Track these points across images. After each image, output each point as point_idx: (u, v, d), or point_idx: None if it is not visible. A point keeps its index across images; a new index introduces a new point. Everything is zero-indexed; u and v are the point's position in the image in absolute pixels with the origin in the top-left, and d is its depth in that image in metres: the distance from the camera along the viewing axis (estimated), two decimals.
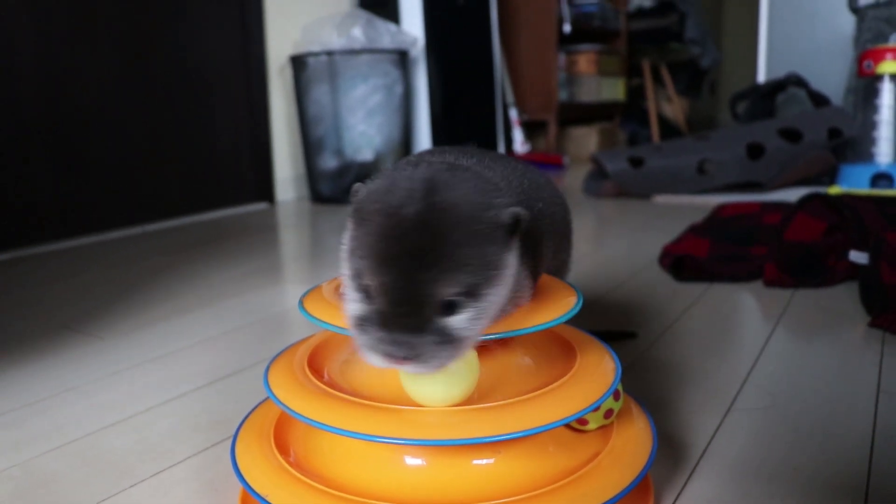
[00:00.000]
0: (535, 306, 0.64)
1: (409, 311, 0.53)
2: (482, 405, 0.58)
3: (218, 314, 1.39)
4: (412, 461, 0.61)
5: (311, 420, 0.58)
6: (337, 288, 0.69)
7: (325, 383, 0.64)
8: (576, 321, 0.75)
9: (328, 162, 2.80)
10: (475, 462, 0.61)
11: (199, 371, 1.10)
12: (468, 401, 0.59)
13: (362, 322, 0.55)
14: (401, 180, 0.57)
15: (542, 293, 0.68)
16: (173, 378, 1.08)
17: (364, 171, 2.81)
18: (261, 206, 2.85)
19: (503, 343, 0.66)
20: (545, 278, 0.74)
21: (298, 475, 0.61)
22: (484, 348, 0.62)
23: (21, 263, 1.94)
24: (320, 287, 0.72)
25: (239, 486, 0.73)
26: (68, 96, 2.18)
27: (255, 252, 1.98)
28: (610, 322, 1.26)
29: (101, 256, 2.00)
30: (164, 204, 2.51)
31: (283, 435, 0.70)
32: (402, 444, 0.56)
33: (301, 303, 0.67)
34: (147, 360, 1.16)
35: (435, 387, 0.57)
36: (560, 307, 0.64)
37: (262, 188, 2.86)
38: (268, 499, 0.59)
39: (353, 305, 0.56)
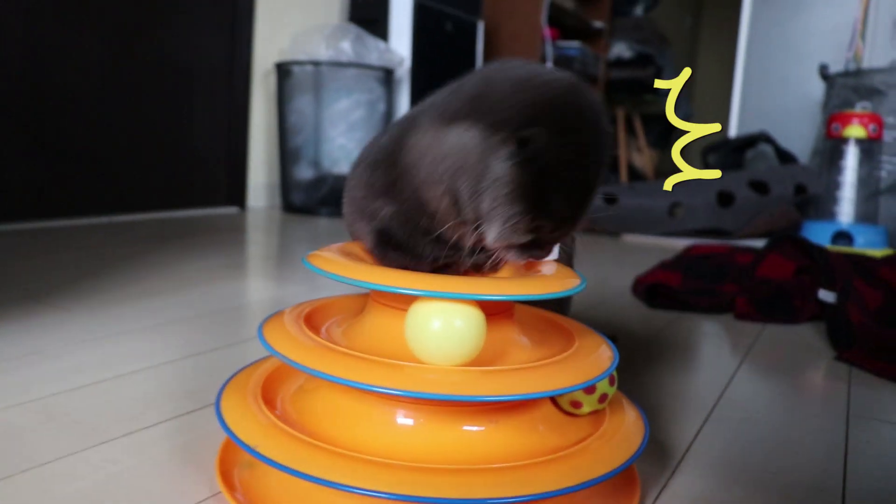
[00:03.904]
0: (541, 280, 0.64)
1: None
2: (482, 367, 0.58)
3: (186, 299, 1.37)
4: (403, 420, 0.60)
5: (308, 368, 0.57)
6: (345, 251, 0.69)
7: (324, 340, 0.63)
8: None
9: (304, 172, 2.79)
10: (466, 427, 0.61)
11: (168, 347, 1.08)
12: (470, 364, 0.59)
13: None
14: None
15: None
16: (144, 350, 1.05)
17: (339, 185, 2.80)
18: (231, 209, 2.82)
19: (504, 316, 0.66)
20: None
21: (287, 429, 0.59)
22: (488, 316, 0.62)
23: None
24: (318, 252, 0.71)
25: (216, 450, 0.71)
26: (51, 81, 2.15)
27: (223, 250, 1.96)
28: None
29: (71, 239, 1.96)
30: (135, 197, 2.47)
31: (272, 394, 0.68)
32: (399, 395, 0.55)
33: (305, 259, 0.66)
34: (116, 333, 1.13)
35: (440, 343, 0.56)
36: (567, 284, 0.64)
37: (235, 192, 2.84)
38: (257, 449, 0.57)
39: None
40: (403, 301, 0.62)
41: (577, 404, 0.67)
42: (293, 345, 0.61)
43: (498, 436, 0.61)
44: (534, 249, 0.61)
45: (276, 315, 0.71)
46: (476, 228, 0.61)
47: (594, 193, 0.61)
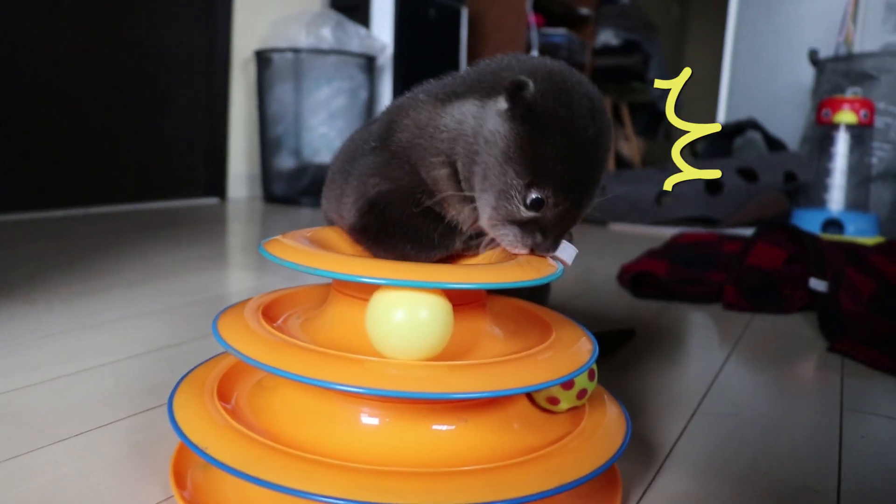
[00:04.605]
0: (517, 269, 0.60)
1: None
2: (450, 362, 0.54)
3: (159, 291, 1.32)
4: (367, 420, 0.56)
5: (260, 363, 0.52)
6: (311, 237, 0.64)
7: (282, 333, 0.58)
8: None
9: (285, 162, 2.74)
10: (435, 427, 0.56)
11: (135, 341, 1.03)
12: (436, 358, 0.54)
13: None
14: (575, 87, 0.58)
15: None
16: (107, 345, 1.00)
17: (320, 174, 2.75)
18: (211, 200, 2.76)
19: (476, 306, 0.62)
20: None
21: (242, 429, 0.55)
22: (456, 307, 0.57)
23: None
24: (279, 238, 0.66)
25: (171, 451, 0.67)
26: (24, 71, 2.08)
27: (201, 240, 1.91)
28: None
29: (43, 231, 1.90)
30: (112, 188, 2.41)
31: (230, 392, 0.64)
32: (356, 392, 0.51)
33: (262, 246, 0.62)
34: (81, 326, 1.08)
35: (403, 335, 0.52)
36: (543, 271, 0.59)
37: (214, 183, 2.78)
38: (206, 451, 0.53)
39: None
40: (366, 291, 0.58)
41: (554, 400, 0.63)
42: (248, 338, 0.56)
43: (469, 435, 0.57)
44: (535, 232, 0.58)
45: (234, 306, 0.66)
46: (474, 206, 0.59)
47: (599, 167, 0.58)
